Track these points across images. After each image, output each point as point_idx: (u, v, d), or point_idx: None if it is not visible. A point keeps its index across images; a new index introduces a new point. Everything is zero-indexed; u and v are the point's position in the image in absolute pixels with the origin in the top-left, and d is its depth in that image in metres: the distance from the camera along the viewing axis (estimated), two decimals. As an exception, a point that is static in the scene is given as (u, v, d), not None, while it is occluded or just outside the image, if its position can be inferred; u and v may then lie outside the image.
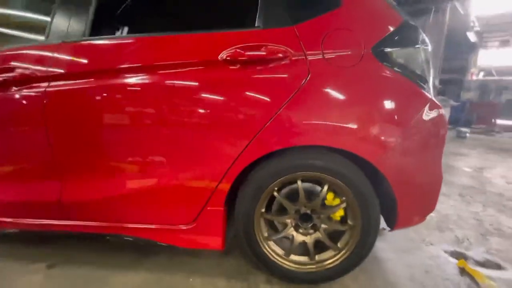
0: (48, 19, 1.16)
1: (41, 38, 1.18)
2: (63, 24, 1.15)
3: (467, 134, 6.31)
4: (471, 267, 1.40)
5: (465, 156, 4.29)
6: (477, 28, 10.96)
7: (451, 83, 12.67)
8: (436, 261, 1.46)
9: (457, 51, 11.71)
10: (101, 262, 1.34)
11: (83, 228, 1.21)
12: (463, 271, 1.37)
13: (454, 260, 1.46)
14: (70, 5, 1.17)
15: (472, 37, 10.84)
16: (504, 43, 11.57)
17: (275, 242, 1.23)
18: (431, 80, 1.19)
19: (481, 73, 14.30)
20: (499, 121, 9.61)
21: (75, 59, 1.11)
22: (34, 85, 1.10)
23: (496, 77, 12.35)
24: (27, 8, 1.53)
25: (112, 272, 1.27)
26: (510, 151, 4.95)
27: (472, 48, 11.85)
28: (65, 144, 1.14)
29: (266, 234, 1.21)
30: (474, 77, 12.96)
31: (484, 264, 1.45)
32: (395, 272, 1.35)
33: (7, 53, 1.16)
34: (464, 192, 2.54)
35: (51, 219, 1.21)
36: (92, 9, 1.16)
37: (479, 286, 1.26)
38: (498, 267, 1.44)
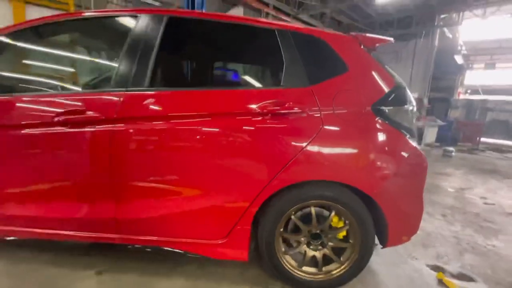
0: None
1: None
2: (127, 73, 1.42)
3: (453, 154, 6.74)
4: (447, 279, 1.70)
5: (449, 176, 4.67)
6: (464, 52, 11.70)
7: (439, 101, 13.34)
8: (419, 273, 1.76)
9: (445, 71, 12.41)
10: (142, 269, 1.59)
11: (133, 241, 1.47)
12: (440, 282, 1.67)
13: (434, 273, 1.77)
14: (133, 55, 1.44)
15: (459, 59, 11.54)
16: (489, 66, 12.32)
17: (291, 256, 1.51)
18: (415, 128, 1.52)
19: (468, 91, 15.17)
20: (483, 139, 10.19)
21: (136, 105, 1.39)
22: (102, 125, 1.37)
23: (481, 97, 13.07)
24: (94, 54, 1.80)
25: (155, 278, 1.53)
26: (491, 172, 5.37)
27: (459, 69, 12.56)
28: (123, 173, 1.40)
29: (283, 249, 1.49)
30: (461, 96, 13.66)
31: (459, 277, 1.76)
32: (387, 283, 1.64)
33: (80, 97, 1.43)
34: (446, 212, 2.88)
35: (108, 233, 1.46)
36: (152, 60, 1.43)
37: (452, 295, 1.56)
38: (470, 279, 1.74)
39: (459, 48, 11.17)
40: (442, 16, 9.52)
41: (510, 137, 11.90)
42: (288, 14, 8.35)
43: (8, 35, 1.55)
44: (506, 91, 13.76)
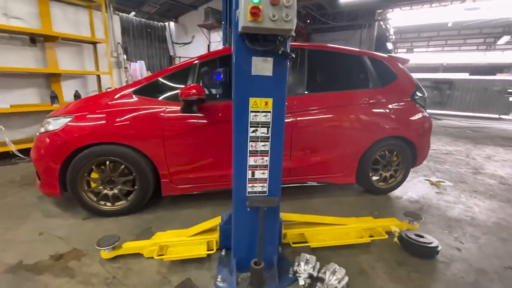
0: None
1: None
2: (293, 85, 2.47)
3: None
4: (433, 181, 3.34)
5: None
6: (393, 39, 14.58)
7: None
8: (419, 181, 3.36)
9: (379, 55, 15.23)
10: (298, 197, 2.74)
11: (300, 179, 2.59)
12: (431, 183, 3.29)
13: (426, 180, 3.39)
14: (295, 74, 2.49)
15: (389, 46, 14.33)
16: (409, 50, 15.65)
17: (374, 177, 2.86)
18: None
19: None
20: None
21: (300, 104, 2.46)
22: (289, 115, 2.40)
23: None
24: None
25: (309, 200, 2.71)
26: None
27: (389, 53, 15.51)
28: (296, 139, 2.48)
29: (371, 174, 2.83)
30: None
31: (438, 181, 3.42)
32: (408, 186, 3.17)
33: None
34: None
35: (286, 177, 2.54)
36: (306, 76, 2.51)
37: (438, 187, 3.19)
38: (443, 182, 3.42)
39: (390, 37, 13.91)
40: (379, 11, 11.76)
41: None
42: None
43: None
44: (421, 68, 17.73)
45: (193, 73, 2.33)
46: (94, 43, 4.92)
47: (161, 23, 9.62)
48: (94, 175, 2.21)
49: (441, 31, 13.02)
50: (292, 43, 2.57)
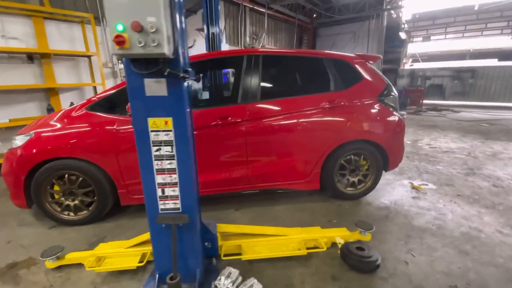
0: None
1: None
2: (246, 92, 2.45)
3: (405, 116, 8.66)
4: (415, 185, 3.14)
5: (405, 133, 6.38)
6: (406, 28, 13.77)
7: (389, 72, 15.55)
8: (401, 184, 3.18)
9: (392, 46, 14.48)
10: (260, 204, 2.73)
11: (260, 187, 2.57)
12: (412, 187, 3.11)
13: (408, 184, 3.20)
14: (248, 81, 2.47)
15: (403, 35, 13.58)
16: (426, 39, 14.69)
17: (340, 183, 2.76)
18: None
19: (410, 59, 17.91)
20: (425, 101, 12.59)
21: (254, 112, 2.43)
22: (238, 124, 2.39)
23: (421, 66, 15.60)
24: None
25: (270, 207, 2.68)
26: (432, 127, 7.29)
27: (403, 43, 14.72)
28: (252, 148, 2.46)
29: (337, 180, 2.73)
30: (406, 66, 16.05)
31: (421, 184, 3.22)
32: (387, 190, 3.02)
33: (223, 108, 2.42)
34: (408, 155, 4.42)
35: (244, 185, 2.54)
36: (259, 83, 2.47)
37: (418, 191, 3.00)
38: (426, 184, 3.21)
39: (402, 26, 13.16)
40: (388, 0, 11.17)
41: (444, 97, 14.61)
42: (263, 5, 9.18)
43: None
44: (439, 56, 16.60)
45: None
46: (88, 56, 5.19)
47: (164, 29, 9.87)
48: (56, 187, 2.36)
49: (458, 16, 12.06)
50: (242, 50, 2.57)
